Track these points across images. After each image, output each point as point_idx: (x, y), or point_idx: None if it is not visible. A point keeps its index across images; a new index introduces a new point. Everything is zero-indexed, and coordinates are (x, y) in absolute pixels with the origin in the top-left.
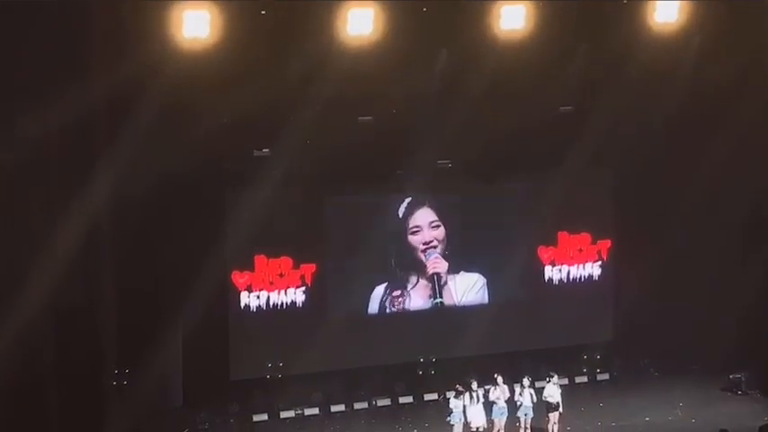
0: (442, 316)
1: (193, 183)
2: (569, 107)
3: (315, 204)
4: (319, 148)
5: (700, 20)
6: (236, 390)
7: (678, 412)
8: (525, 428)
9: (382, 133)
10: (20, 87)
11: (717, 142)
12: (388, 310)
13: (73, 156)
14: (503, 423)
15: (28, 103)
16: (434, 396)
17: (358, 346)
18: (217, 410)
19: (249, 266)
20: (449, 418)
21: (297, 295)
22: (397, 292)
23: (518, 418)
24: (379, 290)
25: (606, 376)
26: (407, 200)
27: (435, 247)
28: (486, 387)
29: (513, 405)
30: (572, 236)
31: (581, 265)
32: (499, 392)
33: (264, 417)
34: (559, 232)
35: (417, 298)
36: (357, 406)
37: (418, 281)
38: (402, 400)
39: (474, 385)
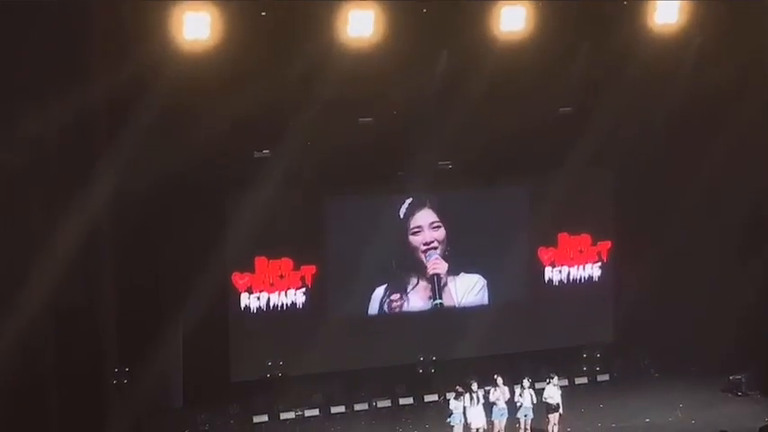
0: (443, 317)
1: (194, 184)
2: (569, 108)
3: (315, 206)
4: (320, 150)
5: (700, 20)
6: (237, 391)
7: (678, 413)
8: (525, 429)
9: (383, 134)
10: (20, 87)
11: (717, 143)
12: (388, 311)
13: (73, 156)
14: (503, 424)
15: (28, 103)
16: (435, 397)
17: (358, 347)
18: (217, 411)
19: (249, 268)
20: (449, 420)
21: (297, 296)
22: (396, 296)
23: (518, 419)
24: (380, 291)
25: (606, 377)
26: (408, 200)
27: (435, 248)
28: (487, 388)
29: (513, 406)
30: (572, 237)
31: (581, 267)
32: (499, 394)
33: (265, 418)
34: (559, 233)
35: (417, 299)
36: (357, 407)
37: (418, 282)
38: (402, 401)
39: (474, 386)
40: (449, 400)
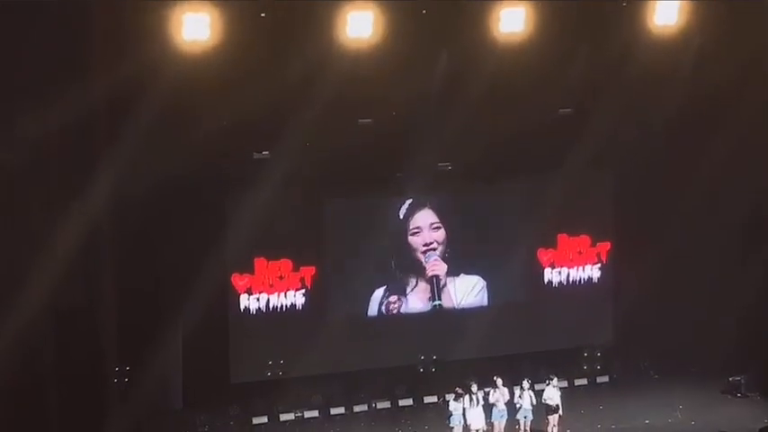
0: (442, 318)
1: (193, 185)
2: (569, 109)
3: (315, 207)
4: (319, 151)
5: (699, 22)
6: (236, 392)
7: (678, 415)
8: (525, 431)
9: (382, 136)
10: (20, 87)
11: (717, 143)
12: (387, 313)
13: (73, 156)
14: (502, 425)
15: (28, 103)
16: (434, 399)
17: (358, 348)
18: (217, 413)
19: (249, 269)
20: (448, 421)
21: (296, 298)
22: (395, 297)
23: (518, 420)
24: (379, 292)
25: (606, 379)
26: (408, 201)
27: (435, 249)
28: (486, 389)
29: (512, 407)
30: (571, 238)
31: (580, 268)
32: (499, 395)
33: (264, 419)
34: (559, 234)
35: (416, 300)
36: (357, 408)
37: (417, 283)
38: (402, 402)
39: (474, 388)
40: (448, 401)
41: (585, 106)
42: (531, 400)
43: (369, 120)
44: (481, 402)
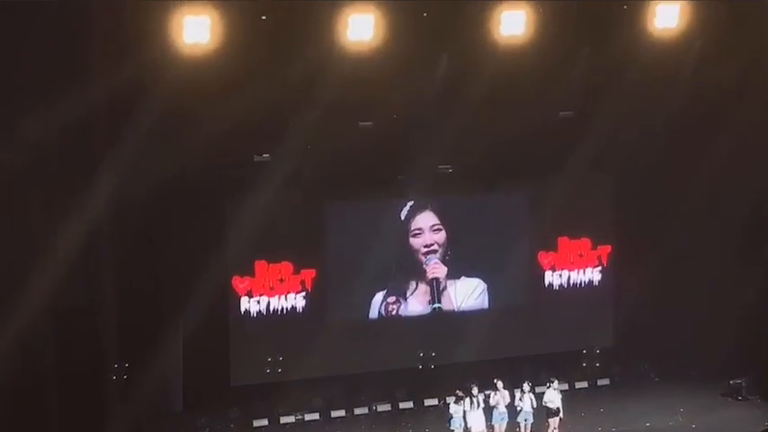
0: (443, 321)
1: (194, 187)
2: (570, 112)
3: (315, 209)
4: (320, 153)
5: (699, 24)
6: (237, 395)
7: (679, 417)
8: None
9: (383, 138)
10: (20, 87)
11: (717, 145)
12: (388, 315)
13: (73, 157)
14: (503, 428)
15: (28, 104)
16: (435, 401)
17: (358, 351)
18: (217, 415)
19: (249, 272)
20: (449, 424)
21: (297, 300)
22: (395, 300)
23: (518, 423)
24: (379, 295)
25: (606, 381)
26: (410, 203)
27: (435, 251)
28: (487, 392)
29: (513, 410)
30: (572, 241)
31: (581, 271)
32: (499, 398)
33: (265, 422)
34: (560, 237)
35: (416, 303)
36: (357, 411)
37: (417, 286)
38: (402, 405)
39: (474, 390)
40: (449, 404)
41: (586, 109)
42: (532, 403)
43: (370, 122)
44: (482, 405)
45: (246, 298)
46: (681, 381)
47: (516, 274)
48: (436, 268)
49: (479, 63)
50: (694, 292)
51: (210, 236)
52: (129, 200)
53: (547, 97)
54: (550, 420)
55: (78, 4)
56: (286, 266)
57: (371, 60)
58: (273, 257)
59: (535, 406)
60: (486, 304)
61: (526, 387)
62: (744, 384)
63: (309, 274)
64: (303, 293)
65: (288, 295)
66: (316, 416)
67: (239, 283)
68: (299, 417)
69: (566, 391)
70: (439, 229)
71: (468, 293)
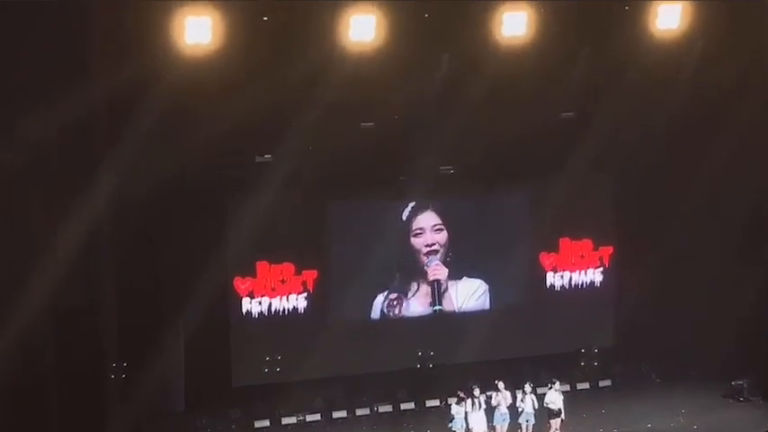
0: (444, 322)
1: (194, 188)
2: (571, 113)
3: (317, 210)
4: (321, 154)
5: (701, 25)
6: (238, 395)
7: (680, 419)
8: None
9: (384, 139)
10: (20, 87)
11: (718, 146)
12: (389, 316)
13: (73, 157)
14: (504, 429)
15: (28, 104)
16: (436, 402)
17: (359, 352)
18: (218, 416)
19: (251, 272)
20: (450, 425)
21: (299, 301)
22: (397, 301)
23: (519, 424)
24: (381, 296)
25: (608, 382)
26: (411, 204)
27: (437, 251)
28: (488, 393)
29: (514, 411)
30: (574, 242)
31: (583, 272)
32: (501, 399)
33: (266, 423)
34: (561, 238)
35: (418, 305)
36: (359, 412)
37: (419, 287)
38: (404, 406)
39: (476, 391)
40: (450, 405)
41: (587, 109)
42: (534, 404)
43: (371, 123)
44: (483, 406)
45: (248, 299)
46: (682, 381)
47: (517, 274)
48: (437, 270)
49: (480, 64)
50: (695, 293)
51: (211, 236)
52: (129, 200)
53: (548, 98)
54: (552, 421)
55: (78, 4)
56: (287, 267)
57: (373, 61)
58: (275, 258)
59: (537, 407)
60: (487, 305)
61: (528, 388)
62: (745, 385)
63: (311, 275)
64: (305, 294)
65: (289, 296)
66: (317, 416)
67: (241, 283)
68: (301, 417)
69: (567, 392)
70: (440, 229)
71: (469, 294)
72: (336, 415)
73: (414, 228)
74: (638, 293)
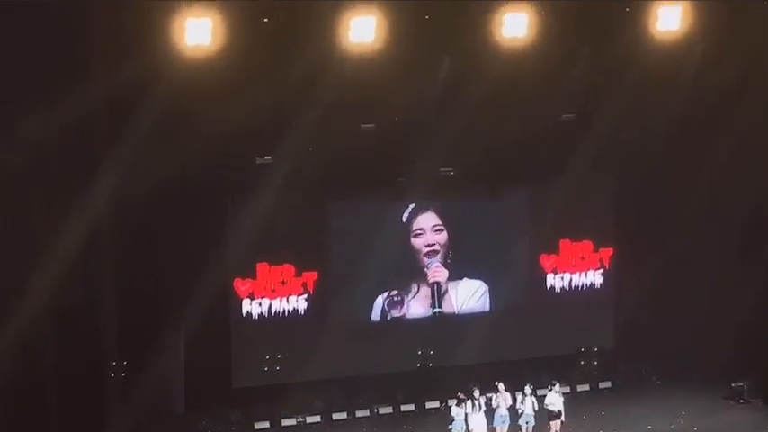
0: (444, 324)
1: (195, 188)
2: (571, 115)
3: (317, 212)
4: (322, 155)
5: (701, 26)
6: (238, 397)
7: (680, 420)
8: None
9: (384, 140)
10: (20, 87)
11: (718, 147)
12: (389, 318)
13: (73, 157)
14: (504, 431)
15: (28, 104)
16: (436, 404)
17: (359, 353)
18: (218, 417)
19: (251, 274)
20: (450, 426)
21: (299, 303)
22: (397, 303)
23: (519, 426)
24: (381, 298)
25: (608, 384)
26: (412, 205)
27: (437, 251)
28: (488, 395)
29: (514, 413)
30: (574, 244)
31: (583, 273)
32: (501, 400)
33: (266, 424)
34: (561, 240)
35: (418, 306)
36: (358, 413)
37: (419, 289)
38: (403, 407)
39: (476, 393)
40: (450, 406)
41: (588, 111)
42: (533, 406)
43: (371, 124)
44: (483, 408)
45: (248, 300)
46: (682, 383)
47: (517, 276)
48: (437, 272)
49: (481, 65)
50: (695, 295)
51: (211, 237)
52: (129, 200)
53: (548, 99)
54: (552, 423)
55: (78, 4)
56: (288, 269)
57: (373, 62)
58: (275, 259)
59: (536, 408)
60: (487, 306)
61: (527, 390)
62: (745, 387)
63: (311, 277)
64: (305, 295)
65: (289, 297)
66: (317, 418)
67: (241, 285)
68: (301, 419)
69: (567, 393)
70: (440, 230)
71: (468, 295)
72: (336, 416)
73: (414, 228)
74: (639, 295)
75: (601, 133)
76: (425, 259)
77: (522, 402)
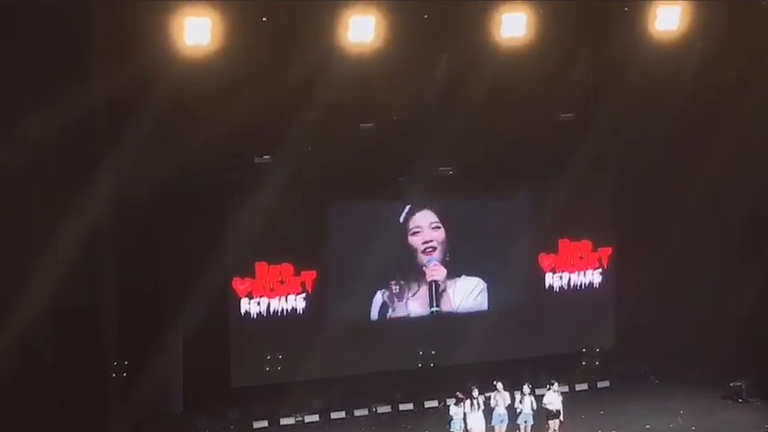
0: (443, 323)
1: (194, 188)
2: (570, 114)
3: (316, 211)
4: (321, 155)
5: (700, 25)
6: (237, 396)
7: (679, 420)
8: None
9: (383, 140)
10: (20, 87)
11: (717, 146)
12: (388, 317)
13: (73, 157)
14: (503, 430)
15: (28, 104)
16: (435, 403)
17: (358, 352)
18: (217, 417)
19: (250, 273)
20: (449, 426)
21: (297, 302)
22: (395, 302)
23: (518, 425)
24: (380, 297)
25: (606, 383)
26: (408, 206)
27: (435, 248)
28: (487, 394)
29: (513, 412)
30: (573, 243)
31: (582, 273)
32: (499, 399)
33: (264, 423)
34: (560, 239)
35: (416, 305)
36: (357, 413)
37: (419, 288)
38: (402, 407)
39: (475, 392)
40: (449, 406)
41: (587, 110)
42: (532, 405)
43: (370, 124)
44: (482, 407)
45: (247, 299)
46: (681, 383)
47: (516, 275)
48: (436, 270)
49: (480, 65)
50: (694, 294)
51: (210, 237)
52: (129, 200)
53: (547, 99)
54: (550, 422)
55: (78, 4)
56: (286, 268)
57: (372, 62)
58: (274, 259)
59: (535, 408)
60: (485, 305)
61: (526, 389)
62: (744, 387)
63: (310, 276)
64: (303, 295)
65: (288, 296)
66: (316, 417)
67: (240, 284)
68: (299, 418)
69: (566, 392)
70: (438, 227)
71: (467, 293)
72: (335, 416)
73: (411, 226)
74: (638, 294)
75: (600, 133)
76: (424, 257)
77: (520, 401)
